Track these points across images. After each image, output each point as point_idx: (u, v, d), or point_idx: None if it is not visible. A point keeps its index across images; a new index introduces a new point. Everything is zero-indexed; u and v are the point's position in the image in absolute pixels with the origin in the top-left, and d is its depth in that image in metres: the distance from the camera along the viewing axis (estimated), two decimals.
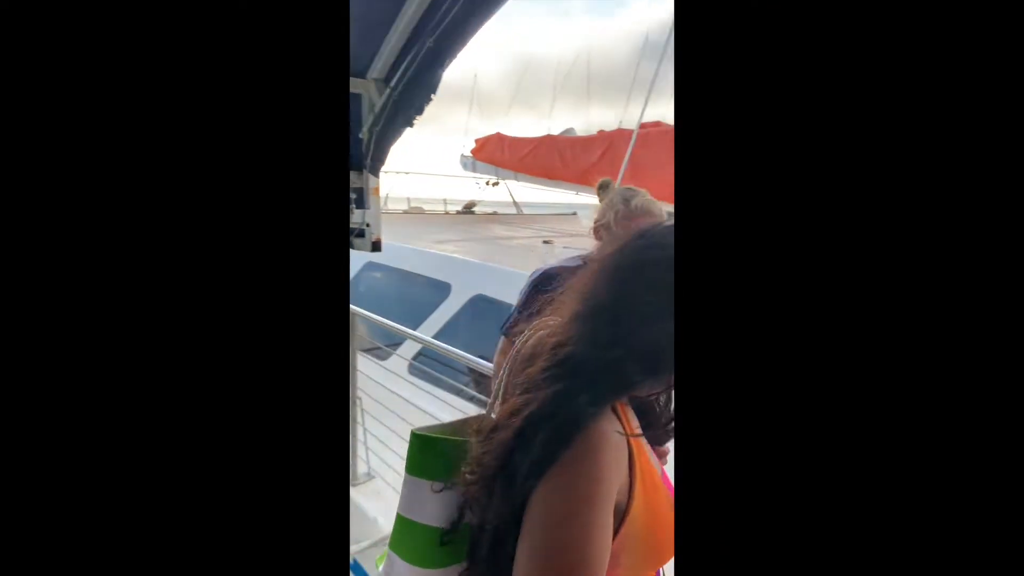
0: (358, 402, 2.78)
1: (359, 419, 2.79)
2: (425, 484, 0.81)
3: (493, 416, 0.80)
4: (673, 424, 0.82)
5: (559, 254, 4.58)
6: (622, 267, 0.74)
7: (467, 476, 0.73)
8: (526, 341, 0.84)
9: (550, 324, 0.81)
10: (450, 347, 2.41)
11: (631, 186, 1.69)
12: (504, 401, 0.80)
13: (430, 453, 0.83)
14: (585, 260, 1.85)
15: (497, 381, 0.87)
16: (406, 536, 0.83)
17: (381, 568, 0.90)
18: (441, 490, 0.79)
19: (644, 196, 1.63)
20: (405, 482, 0.84)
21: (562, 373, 0.69)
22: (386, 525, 2.52)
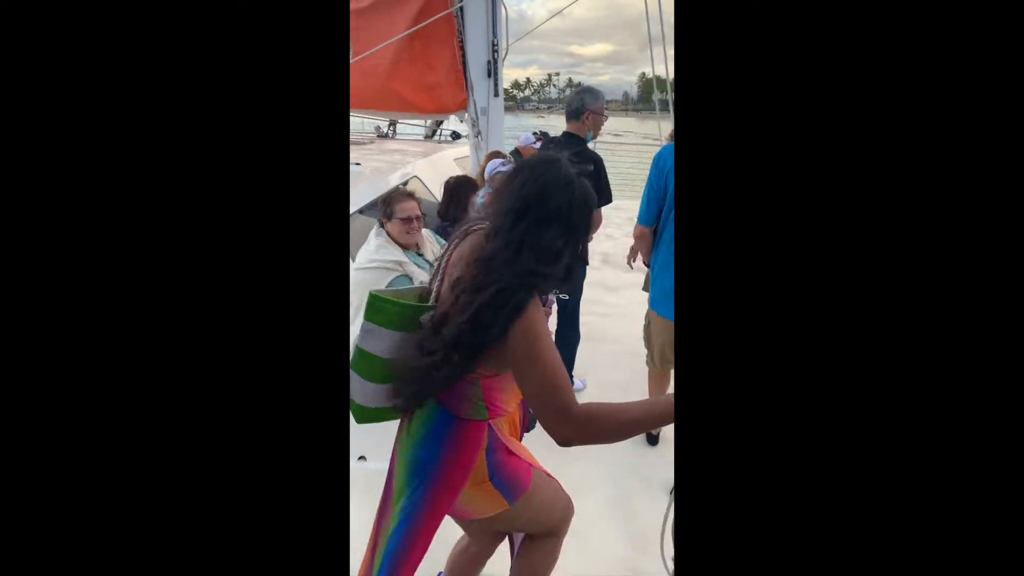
0: None
1: None
2: (382, 330, 1.23)
3: (433, 293, 1.25)
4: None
5: None
6: (512, 209, 1.12)
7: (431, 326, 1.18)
8: (460, 244, 1.25)
9: (473, 234, 1.22)
10: None
11: None
12: (444, 287, 1.22)
13: (383, 312, 1.22)
14: None
15: (437, 272, 1.27)
16: (363, 362, 1.27)
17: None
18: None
19: None
20: (363, 326, 1.24)
21: (493, 282, 1.07)
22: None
